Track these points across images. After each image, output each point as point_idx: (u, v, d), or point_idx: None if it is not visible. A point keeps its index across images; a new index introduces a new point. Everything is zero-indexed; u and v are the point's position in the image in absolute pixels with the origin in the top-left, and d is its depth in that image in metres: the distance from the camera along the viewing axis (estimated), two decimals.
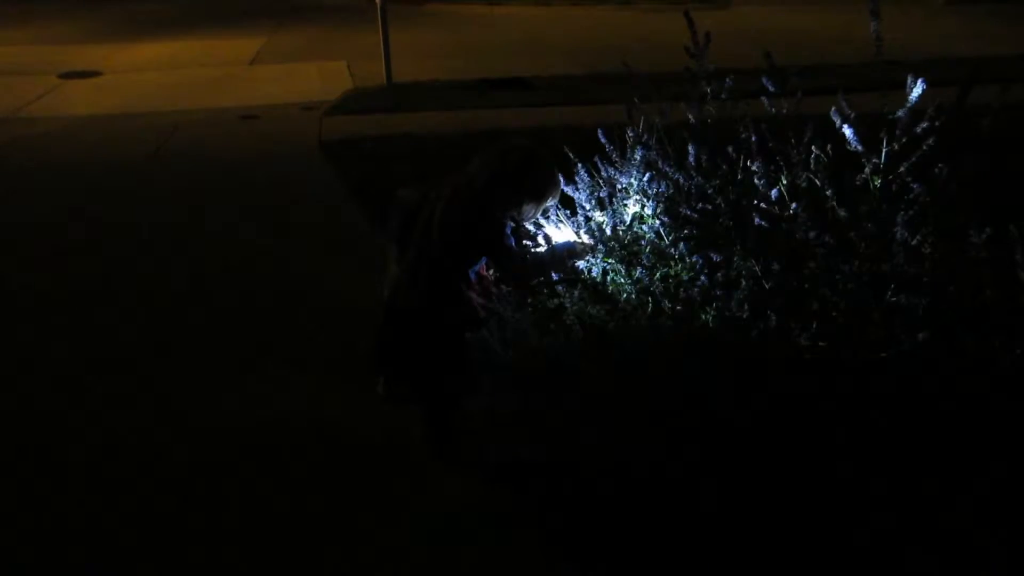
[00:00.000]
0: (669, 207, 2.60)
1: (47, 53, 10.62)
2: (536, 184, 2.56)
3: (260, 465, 2.68)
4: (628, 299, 2.49)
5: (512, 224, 2.60)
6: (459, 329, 2.48)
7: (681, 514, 2.27)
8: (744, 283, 2.34)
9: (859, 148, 2.23)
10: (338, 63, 9.57)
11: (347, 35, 11.43)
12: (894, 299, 2.19)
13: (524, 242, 2.65)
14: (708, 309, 2.40)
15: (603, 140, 2.73)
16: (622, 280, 2.53)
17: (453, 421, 2.66)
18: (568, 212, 2.75)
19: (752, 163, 2.44)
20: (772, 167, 2.44)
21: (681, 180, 2.61)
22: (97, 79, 9.18)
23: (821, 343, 2.27)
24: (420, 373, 2.58)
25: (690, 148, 2.58)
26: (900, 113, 2.21)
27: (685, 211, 2.48)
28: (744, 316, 2.34)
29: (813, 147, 2.40)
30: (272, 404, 3.00)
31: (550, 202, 2.65)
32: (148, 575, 2.27)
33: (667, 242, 2.56)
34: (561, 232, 2.75)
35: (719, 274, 2.39)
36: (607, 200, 2.72)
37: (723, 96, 2.61)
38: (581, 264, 2.63)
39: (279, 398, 3.03)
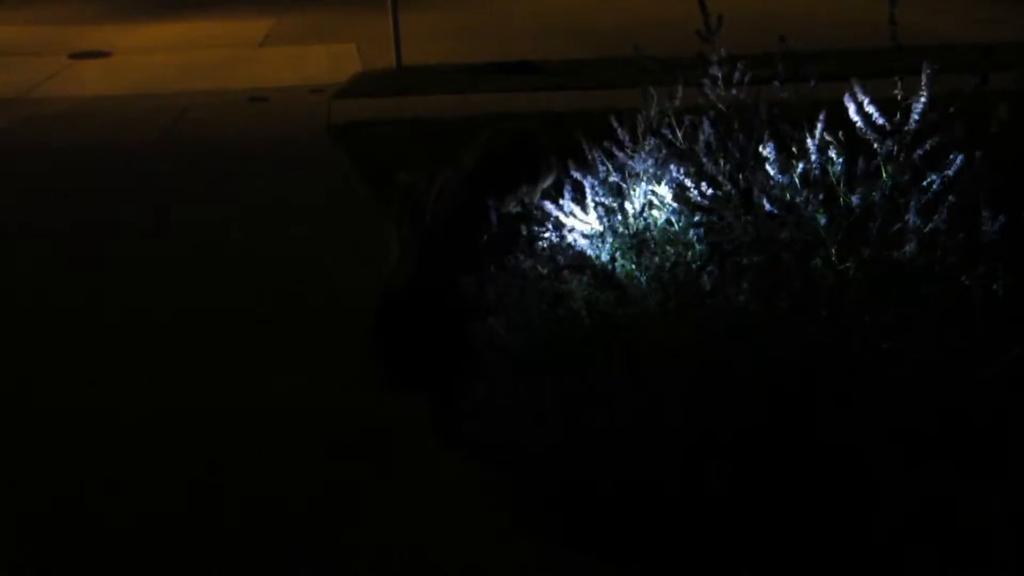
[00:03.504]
0: (680, 194, 2.58)
1: (57, 33, 10.61)
2: (528, 166, 2.54)
3: (259, 449, 2.68)
4: (637, 284, 2.48)
5: (519, 208, 2.59)
6: (459, 315, 2.47)
7: (684, 501, 2.26)
8: (752, 271, 2.33)
9: (871, 135, 2.21)
10: (348, 46, 9.53)
11: (357, 18, 11.36)
12: (907, 288, 2.18)
13: (534, 228, 2.64)
14: (717, 296, 2.39)
15: (616, 125, 2.71)
16: (632, 267, 2.52)
17: (455, 406, 2.65)
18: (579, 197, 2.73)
19: (763, 148, 2.42)
20: (784, 153, 2.42)
21: (691, 167, 2.59)
22: (107, 59, 9.17)
23: (831, 331, 2.26)
24: (421, 359, 2.58)
25: (701, 133, 2.57)
26: (917, 104, 2.19)
27: (696, 198, 2.47)
28: (752, 306, 2.33)
29: (825, 134, 2.38)
30: (273, 389, 2.99)
31: (546, 183, 2.62)
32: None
33: (678, 228, 2.55)
34: (569, 219, 2.73)
35: (728, 263, 2.38)
36: (618, 186, 2.71)
37: (735, 81, 2.59)
38: (590, 250, 2.61)
39: (280, 383, 3.02)
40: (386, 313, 2.62)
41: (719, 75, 2.60)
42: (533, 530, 2.30)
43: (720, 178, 2.50)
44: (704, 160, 2.56)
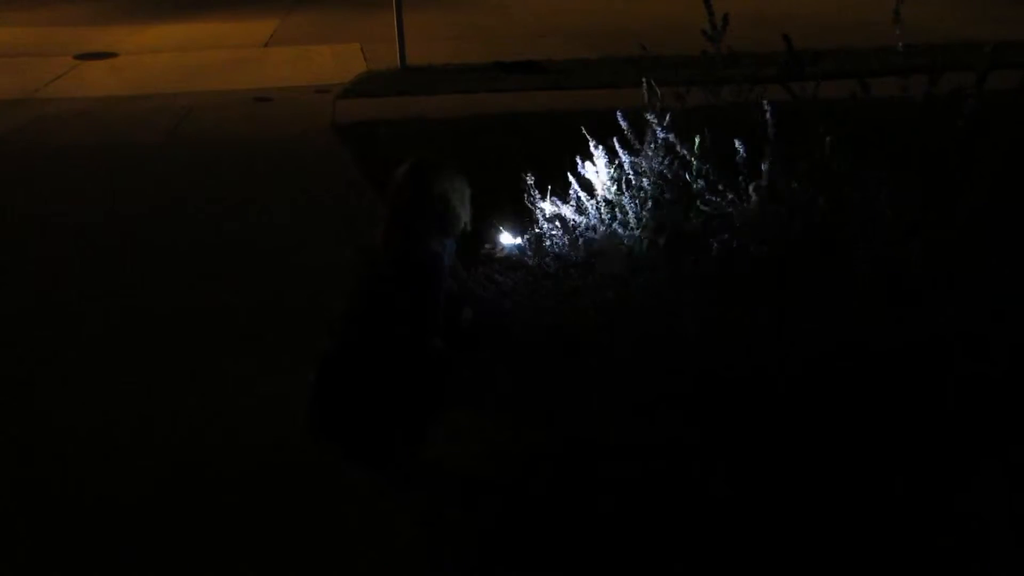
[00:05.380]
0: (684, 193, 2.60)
1: (63, 34, 10.65)
2: (455, 192, 2.43)
3: (238, 455, 2.69)
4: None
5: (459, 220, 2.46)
6: (396, 371, 2.32)
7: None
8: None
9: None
10: (352, 46, 9.55)
11: (361, 17, 11.39)
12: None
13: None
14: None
15: (623, 123, 2.72)
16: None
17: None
18: (587, 195, 2.75)
19: (769, 150, 2.43)
20: (789, 151, 2.43)
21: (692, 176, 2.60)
22: (113, 60, 9.20)
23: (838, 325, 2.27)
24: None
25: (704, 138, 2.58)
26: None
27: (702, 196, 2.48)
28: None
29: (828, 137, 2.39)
30: (263, 390, 2.98)
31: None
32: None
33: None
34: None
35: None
36: (624, 183, 2.72)
37: (741, 81, 2.60)
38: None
39: (267, 383, 3.01)
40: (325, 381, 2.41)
41: (723, 75, 2.61)
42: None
43: (720, 187, 2.50)
44: (709, 173, 2.56)
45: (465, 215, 2.47)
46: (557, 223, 2.65)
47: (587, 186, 2.75)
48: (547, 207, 2.75)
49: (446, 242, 2.41)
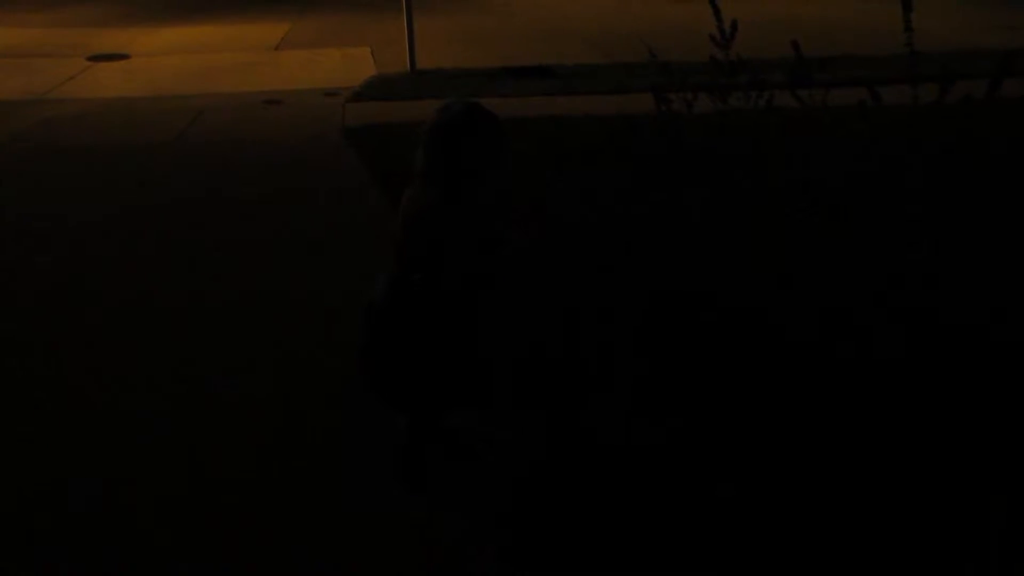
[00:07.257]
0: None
1: (76, 36, 10.73)
2: (488, 127, 2.31)
3: (256, 445, 2.70)
4: None
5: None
6: (447, 336, 2.25)
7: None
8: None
9: None
10: (362, 49, 9.59)
11: (371, 21, 11.44)
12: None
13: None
14: None
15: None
16: None
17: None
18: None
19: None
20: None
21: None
22: (125, 62, 9.27)
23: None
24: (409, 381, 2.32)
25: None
26: None
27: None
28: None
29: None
30: (274, 389, 3.00)
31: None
32: None
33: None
34: None
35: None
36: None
37: (748, 87, 2.61)
38: None
39: (282, 384, 3.03)
40: (371, 330, 2.33)
41: (732, 80, 2.62)
42: None
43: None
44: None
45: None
46: None
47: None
48: None
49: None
